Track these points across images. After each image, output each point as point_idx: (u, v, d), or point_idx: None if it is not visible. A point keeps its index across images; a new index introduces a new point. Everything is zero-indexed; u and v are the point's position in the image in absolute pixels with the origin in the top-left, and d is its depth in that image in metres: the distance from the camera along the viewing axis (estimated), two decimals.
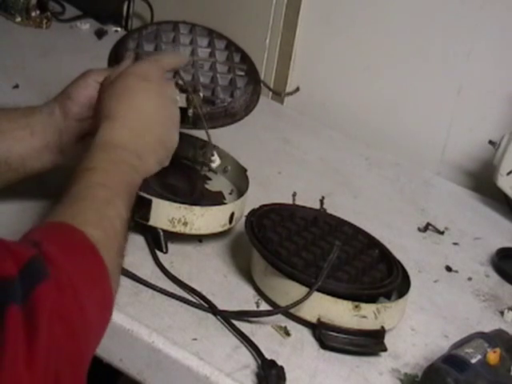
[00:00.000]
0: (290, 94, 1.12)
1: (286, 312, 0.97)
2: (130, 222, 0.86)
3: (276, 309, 0.98)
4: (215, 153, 1.08)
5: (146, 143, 0.94)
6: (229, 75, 1.11)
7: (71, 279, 0.70)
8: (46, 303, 0.66)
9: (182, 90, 1.04)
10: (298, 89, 1.15)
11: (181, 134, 1.18)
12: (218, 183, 1.18)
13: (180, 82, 1.04)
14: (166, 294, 0.97)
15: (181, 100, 1.03)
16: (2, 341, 0.63)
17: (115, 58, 1.09)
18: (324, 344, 0.95)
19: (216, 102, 1.08)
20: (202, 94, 1.06)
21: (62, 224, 0.77)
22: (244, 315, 0.96)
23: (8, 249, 0.69)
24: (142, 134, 0.94)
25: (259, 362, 0.89)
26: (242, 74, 1.13)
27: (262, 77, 1.65)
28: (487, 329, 0.98)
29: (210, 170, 1.18)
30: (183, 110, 1.04)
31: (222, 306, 0.97)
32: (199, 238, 1.09)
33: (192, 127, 1.06)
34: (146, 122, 0.95)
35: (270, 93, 1.66)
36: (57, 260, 0.70)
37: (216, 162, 1.07)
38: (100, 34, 1.71)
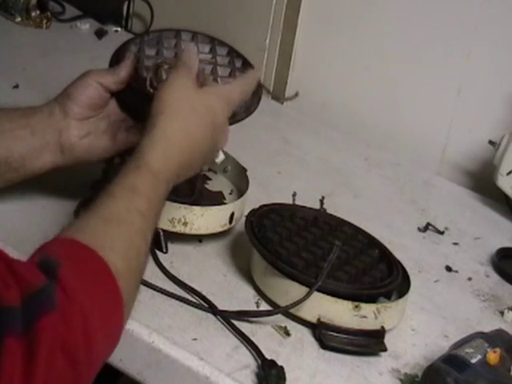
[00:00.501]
0: (290, 99, 1.12)
1: (286, 312, 0.98)
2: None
3: (276, 309, 0.98)
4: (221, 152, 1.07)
5: (177, 170, 0.93)
6: (229, 79, 1.11)
7: (83, 310, 0.69)
8: (49, 335, 0.65)
9: None
10: (297, 94, 1.15)
11: None
12: (218, 183, 1.18)
13: None
14: (165, 294, 0.97)
15: None
16: None
17: (116, 61, 1.08)
18: (324, 344, 0.95)
19: None
20: None
21: (88, 248, 0.75)
22: (244, 315, 0.96)
23: (15, 273, 0.67)
24: (176, 163, 0.92)
25: (259, 361, 0.89)
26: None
27: (262, 77, 1.65)
28: (487, 329, 0.97)
29: (211, 169, 1.18)
30: None
31: (222, 306, 0.97)
32: (199, 238, 1.09)
33: None
34: (186, 151, 0.94)
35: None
36: (72, 289, 0.69)
37: (220, 156, 1.07)
38: (100, 34, 1.71)
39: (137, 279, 0.81)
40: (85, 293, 0.70)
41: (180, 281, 1.00)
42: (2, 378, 0.62)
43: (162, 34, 1.15)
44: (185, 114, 0.95)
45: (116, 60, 1.09)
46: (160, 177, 0.88)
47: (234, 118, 1.09)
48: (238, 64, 1.14)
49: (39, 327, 0.65)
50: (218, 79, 1.11)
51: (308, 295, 0.94)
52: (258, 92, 1.12)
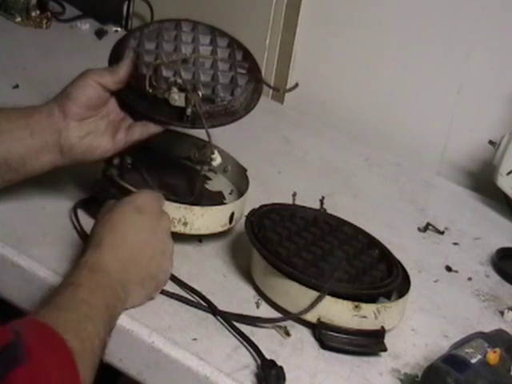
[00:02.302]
0: (290, 90, 1.11)
1: (286, 312, 0.97)
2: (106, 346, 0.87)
3: (286, 315, 0.97)
4: (216, 151, 1.07)
5: (133, 276, 0.93)
6: (230, 73, 1.11)
7: (45, 374, 0.71)
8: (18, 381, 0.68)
9: (181, 88, 1.04)
10: (296, 85, 1.14)
11: (180, 134, 1.19)
12: (218, 183, 1.19)
13: (179, 80, 1.04)
14: (165, 294, 0.97)
15: (179, 99, 1.03)
16: None
17: (116, 56, 1.08)
18: (324, 344, 0.95)
19: (216, 100, 1.08)
20: (200, 93, 1.06)
21: (44, 324, 0.78)
22: (248, 320, 0.96)
23: None
24: (128, 266, 0.93)
25: (259, 362, 0.89)
26: (244, 71, 1.12)
27: (262, 73, 1.65)
28: (487, 329, 0.97)
29: (211, 169, 1.18)
30: (182, 109, 1.04)
31: (222, 306, 0.97)
32: (199, 238, 1.09)
33: (191, 126, 1.05)
34: (134, 254, 0.94)
35: (270, 92, 1.66)
36: (34, 352, 0.71)
37: (217, 160, 1.07)
38: (100, 34, 1.71)
39: (92, 364, 0.82)
40: (46, 357, 0.73)
41: (180, 281, 1.00)
42: None
43: (163, 26, 1.14)
44: (115, 222, 0.95)
45: (115, 55, 1.09)
46: (96, 269, 0.89)
47: (234, 116, 1.08)
48: (239, 56, 1.13)
49: (10, 380, 0.67)
50: (219, 73, 1.10)
51: (318, 300, 0.94)
52: (257, 89, 1.11)
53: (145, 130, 1.07)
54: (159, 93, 1.03)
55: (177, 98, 1.03)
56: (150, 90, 1.03)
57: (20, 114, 1.02)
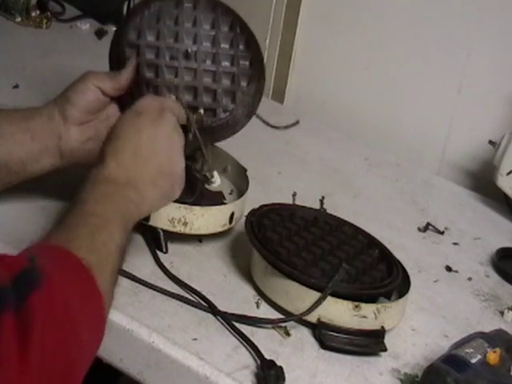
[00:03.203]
0: (289, 126, 1.12)
1: (286, 312, 0.98)
2: (125, 251, 0.88)
3: (287, 316, 0.97)
4: (215, 173, 1.07)
5: (141, 176, 0.94)
6: (232, 69, 1.10)
7: (65, 293, 0.71)
8: (40, 311, 0.67)
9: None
10: (297, 122, 1.16)
11: None
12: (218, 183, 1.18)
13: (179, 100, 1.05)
14: (166, 294, 0.97)
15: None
16: None
17: (117, 57, 1.08)
18: (324, 344, 0.95)
19: (217, 111, 1.07)
20: (202, 111, 1.06)
21: (57, 246, 0.78)
22: (248, 320, 0.96)
23: (2, 260, 0.70)
24: (134, 168, 0.93)
25: (259, 362, 0.89)
26: (246, 65, 1.11)
27: None
28: (487, 329, 0.98)
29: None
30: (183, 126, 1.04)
31: (222, 306, 0.97)
32: (199, 238, 1.09)
33: (193, 148, 1.06)
34: (138, 154, 0.94)
35: (270, 92, 1.67)
36: (50, 274, 0.71)
37: (216, 182, 1.06)
38: (100, 34, 1.71)
39: (112, 271, 0.83)
40: (62, 279, 0.73)
41: (180, 281, 1.00)
42: (1, 353, 0.63)
43: (163, 6, 1.12)
44: (117, 132, 0.96)
45: (116, 53, 1.07)
46: (102, 181, 0.91)
47: (235, 128, 1.08)
48: (242, 44, 1.12)
49: (29, 304, 0.67)
50: (220, 70, 1.09)
51: (320, 300, 0.94)
52: (259, 87, 1.10)
53: None
54: None
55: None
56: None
57: (20, 116, 1.02)
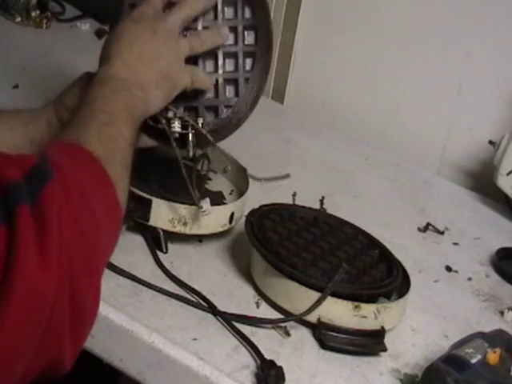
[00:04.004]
0: (268, 180, 1.16)
1: (286, 312, 0.98)
2: (135, 144, 0.91)
3: (287, 316, 0.97)
4: (208, 199, 1.05)
5: (147, 76, 0.97)
6: (235, 48, 1.08)
7: (77, 182, 0.72)
8: (54, 202, 0.68)
9: (182, 123, 1.04)
10: (287, 175, 1.18)
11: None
12: (218, 183, 1.18)
13: (179, 115, 1.05)
14: (166, 294, 0.97)
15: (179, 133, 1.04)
16: (15, 241, 0.64)
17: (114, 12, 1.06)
18: (324, 344, 0.95)
19: (220, 107, 1.07)
20: (201, 122, 1.06)
21: (66, 143, 0.80)
22: (248, 320, 0.96)
23: (10, 158, 0.71)
24: (141, 68, 0.97)
25: (259, 362, 0.89)
26: (251, 42, 1.10)
27: None
28: (487, 329, 0.98)
29: (211, 169, 1.18)
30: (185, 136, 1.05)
31: (222, 306, 0.97)
32: (199, 238, 1.09)
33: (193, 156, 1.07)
34: (143, 56, 0.98)
35: (270, 92, 1.67)
36: (62, 165, 0.72)
37: (205, 206, 1.06)
38: (100, 34, 1.71)
39: (122, 163, 0.84)
40: (74, 168, 0.74)
41: (180, 281, 1.00)
42: (19, 250, 0.63)
43: None
44: (118, 35, 0.99)
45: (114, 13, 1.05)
46: (108, 80, 0.94)
47: (239, 124, 1.08)
48: (247, 10, 1.10)
49: (44, 195, 0.67)
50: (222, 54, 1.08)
51: (321, 300, 0.94)
52: (265, 68, 1.10)
53: (143, 140, 1.07)
54: (160, 125, 1.04)
55: (177, 136, 1.04)
56: (151, 122, 1.02)
57: (20, 121, 1.02)
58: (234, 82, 1.09)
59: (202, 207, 1.03)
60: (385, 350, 0.96)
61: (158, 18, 1.02)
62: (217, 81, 1.08)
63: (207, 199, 1.04)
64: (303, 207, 1.13)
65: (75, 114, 0.88)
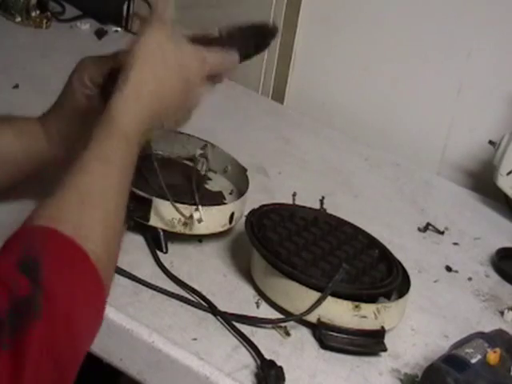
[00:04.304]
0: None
1: (286, 312, 0.98)
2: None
3: (287, 316, 0.97)
4: (200, 209, 1.05)
5: (157, 122, 0.93)
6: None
7: (67, 312, 0.69)
8: (35, 344, 0.66)
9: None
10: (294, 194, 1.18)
11: (181, 134, 1.18)
12: (218, 183, 1.18)
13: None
14: (166, 294, 0.97)
15: None
16: None
17: None
18: (324, 344, 0.95)
19: None
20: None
21: (67, 238, 0.74)
22: (248, 320, 0.96)
23: (2, 281, 0.67)
24: (156, 124, 0.93)
25: (259, 362, 0.89)
26: None
27: (262, 77, 1.65)
28: (487, 329, 0.98)
29: (211, 169, 1.18)
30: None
31: (222, 306, 0.97)
32: (199, 238, 1.09)
33: None
34: (166, 115, 0.93)
35: (271, 92, 1.67)
36: (55, 292, 0.69)
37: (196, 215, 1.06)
38: (100, 34, 1.71)
39: (114, 255, 0.81)
40: (68, 292, 0.70)
41: (180, 281, 1.00)
42: None
43: None
44: (157, 68, 0.91)
45: None
46: (132, 140, 0.88)
47: (246, 52, 1.02)
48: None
49: (25, 337, 0.65)
50: None
51: (321, 300, 0.94)
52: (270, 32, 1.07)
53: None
54: None
55: None
56: None
57: (24, 144, 1.01)
58: None
59: (192, 216, 1.03)
60: (385, 350, 0.96)
61: (199, 72, 0.96)
62: None
63: (200, 207, 1.04)
64: (303, 207, 1.13)
65: (82, 170, 0.82)
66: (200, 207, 1.03)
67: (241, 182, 1.16)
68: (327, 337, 0.95)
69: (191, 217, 1.03)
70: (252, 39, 1.03)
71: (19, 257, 0.70)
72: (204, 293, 0.98)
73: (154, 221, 1.03)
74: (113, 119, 0.87)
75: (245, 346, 0.92)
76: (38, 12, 1.68)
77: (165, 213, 1.03)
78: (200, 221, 1.03)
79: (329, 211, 1.15)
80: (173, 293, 0.97)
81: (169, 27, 0.95)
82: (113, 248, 0.80)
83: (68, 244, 0.74)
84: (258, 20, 1.05)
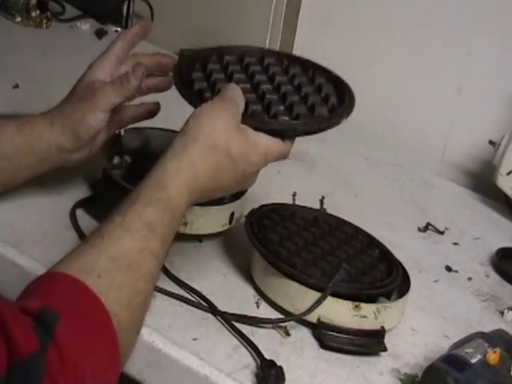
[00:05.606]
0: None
1: (286, 312, 0.98)
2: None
3: (287, 316, 0.97)
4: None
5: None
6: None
7: (77, 373, 0.67)
8: None
9: None
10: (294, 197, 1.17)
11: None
12: None
13: None
14: (166, 294, 0.97)
15: None
16: None
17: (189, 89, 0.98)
18: (324, 344, 0.95)
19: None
20: None
21: (92, 295, 0.72)
22: (248, 320, 0.96)
23: (7, 335, 0.64)
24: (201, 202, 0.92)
25: (259, 362, 0.89)
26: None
27: None
28: (487, 329, 0.98)
29: None
30: None
31: (222, 306, 0.97)
32: (199, 238, 1.09)
33: None
34: (214, 197, 0.93)
35: None
36: (67, 350, 0.66)
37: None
38: (100, 34, 1.71)
39: (138, 325, 0.79)
40: (81, 352, 0.68)
41: (180, 281, 1.00)
42: None
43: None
44: (219, 152, 0.88)
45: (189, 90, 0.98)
46: (178, 213, 0.85)
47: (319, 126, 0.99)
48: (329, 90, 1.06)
49: None
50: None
51: (321, 300, 0.94)
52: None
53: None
54: None
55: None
56: None
57: (27, 142, 0.99)
58: None
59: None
60: (385, 349, 0.96)
61: (258, 165, 0.93)
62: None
63: None
64: (303, 207, 1.13)
65: (122, 227, 0.79)
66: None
67: None
68: (327, 337, 0.95)
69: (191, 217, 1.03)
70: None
71: (38, 311, 0.68)
72: (204, 293, 0.98)
73: None
74: (165, 186, 0.84)
75: (245, 346, 0.92)
76: (37, 12, 1.68)
77: None
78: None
79: (329, 211, 1.15)
80: (173, 293, 0.97)
81: (239, 111, 0.91)
82: (138, 315, 0.78)
83: (90, 299, 0.72)
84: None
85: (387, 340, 0.97)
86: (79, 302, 0.72)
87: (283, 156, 0.96)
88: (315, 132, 0.97)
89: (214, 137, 0.87)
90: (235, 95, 0.92)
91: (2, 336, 0.64)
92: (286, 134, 0.95)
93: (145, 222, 0.81)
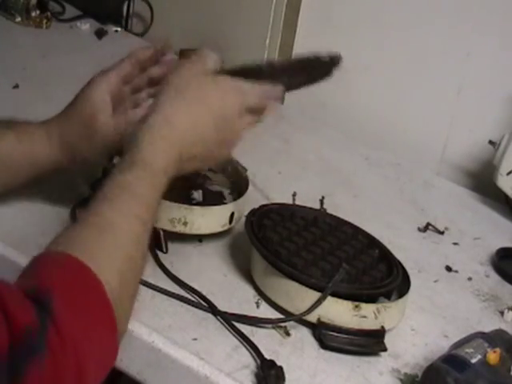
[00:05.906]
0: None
1: (286, 312, 0.98)
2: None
3: (287, 316, 0.97)
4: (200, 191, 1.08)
5: (184, 171, 0.91)
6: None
7: (77, 347, 0.67)
8: (36, 381, 0.64)
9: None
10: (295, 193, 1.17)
11: None
12: (218, 183, 1.18)
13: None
14: (166, 294, 0.97)
15: None
16: None
17: None
18: (324, 344, 0.95)
19: None
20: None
21: (82, 266, 0.72)
22: (248, 320, 0.96)
23: (6, 312, 0.64)
24: (187, 165, 0.90)
25: (259, 362, 0.89)
26: None
27: None
28: (487, 329, 0.98)
29: (211, 169, 1.18)
30: None
31: (222, 306, 0.97)
32: (199, 238, 1.09)
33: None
34: (198, 153, 0.90)
35: None
36: (65, 326, 0.67)
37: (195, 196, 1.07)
38: (100, 34, 1.71)
39: (132, 289, 0.80)
40: (79, 327, 0.68)
41: (180, 281, 1.00)
42: None
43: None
44: (192, 100, 0.87)
45: None
46: (158, 173, 0.85)
47: (292, 84, 1.01)
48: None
49: (27, 378, 0.63)
50: None
51: (321, 300, 0.94)
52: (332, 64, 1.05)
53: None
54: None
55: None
56: None
57: (25, 144, 0.99)
58: None
59: (192, 194, 1.05)
60: (385, 349, 0.96)
61: (237, 108, 0.93)
62: None
63: (200, 191, 1.06)
64: (303, 207, 1.13)
65: (104, 198, 0.79)
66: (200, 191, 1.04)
67: (241, 182, 1.16)
68: (327, 337, 0.95)
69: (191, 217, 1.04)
70: (303, 71, 1.00)
71: (32, 288, 0.68)
72: (204, 293, 0.98)
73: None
74: (139, 151, 0.84)
75: (245, 346, 0.92)
76: (38, 12, 1.68)
77: (165, 213, 1.03)
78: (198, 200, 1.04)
79: (329, 211, 1.15)
80: (173, 293, 0.97)
81: (207, 62, 0.92)
82: (129, 279, 0.78)
83: (81, 270, 0.72)
84: (314, 52, 1.02)
85: (387, 340, 0.97)
86: (70, 274, 0.72)
87: (262, 99, 0.95)
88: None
89: (184, 87, 0.88)
90: (203, 53, 0.93)
91: (1, 313, 0.64)
92: (262, 75, 0.95)
93: (123, 186, 0.81)
